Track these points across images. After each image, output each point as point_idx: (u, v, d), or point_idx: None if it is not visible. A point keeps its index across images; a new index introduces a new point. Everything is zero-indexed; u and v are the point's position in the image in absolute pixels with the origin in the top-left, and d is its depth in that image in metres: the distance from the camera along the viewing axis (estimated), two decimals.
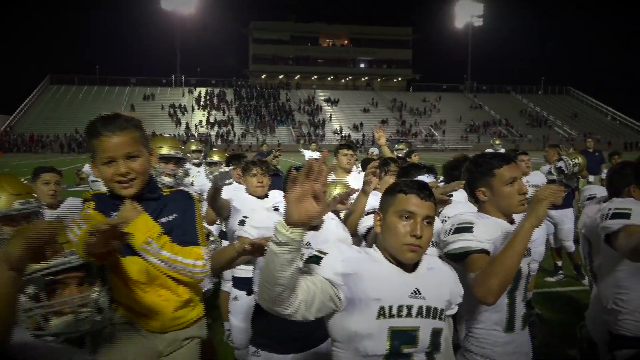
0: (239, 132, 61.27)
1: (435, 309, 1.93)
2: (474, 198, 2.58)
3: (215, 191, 4.07)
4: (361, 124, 64.67)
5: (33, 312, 1.70)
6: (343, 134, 61.15)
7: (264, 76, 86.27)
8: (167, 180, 4.15)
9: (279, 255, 1.61)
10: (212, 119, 64.18)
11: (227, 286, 5.14)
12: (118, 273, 2.02)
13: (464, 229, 2.34)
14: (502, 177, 2.42)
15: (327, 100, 72.52)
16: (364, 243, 3.11)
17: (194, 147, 7.77)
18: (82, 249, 1.62)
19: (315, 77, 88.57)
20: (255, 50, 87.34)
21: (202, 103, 69.03)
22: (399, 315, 1.86)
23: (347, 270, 1.87)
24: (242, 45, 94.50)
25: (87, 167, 7.34)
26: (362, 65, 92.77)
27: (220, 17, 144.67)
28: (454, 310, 2.06)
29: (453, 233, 2.37)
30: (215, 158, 6.89)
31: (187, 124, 62.12)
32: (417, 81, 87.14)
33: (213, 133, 59.87)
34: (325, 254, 1.91)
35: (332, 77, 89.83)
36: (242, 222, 3.01)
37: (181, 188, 2.28)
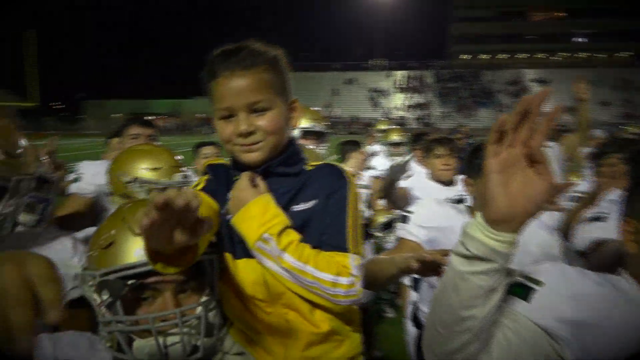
0: (438, 115, 59.55)
1: None
2: None
3: (391, 182, 3.43)
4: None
5: (111, 328, 1.25)
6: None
7: (465, 56, 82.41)
8: None
9: (468, 280, 0.97)
10: (410, 102, 63.61)
11: (408, 280, 4.57)
12: (228, 282, 1.44)
13: None
14: None
15: (536, 80, 66.06)
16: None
17: (382, 127, 7.27)
18: (145, 245, 1.02)
19: (524, 55, 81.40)
20: (457, 30, 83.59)
21: (401, 86, 68.82)
22: None
23: (578, 315, 1.06)
24: (442, 26, 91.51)
25: None
26: (579, 40, 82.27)
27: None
28: None
29: None
30: (395, 138, 6.19)
31: (385, 107, 62.57)
32: None
33: (411, 116, 59.24)
34: (538, 282, 1.13)
35: (543, 54, 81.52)
36: (405, 219, 2.29)
37: (331, 162, 1.57)
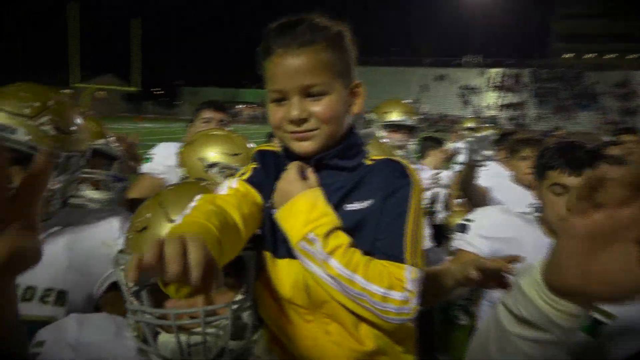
0: (533, 116, 56.51)
1: None
2: None
3: (471, 170, 3.11)
4: None
5: (137, 317, 1.17)
6: None
7: (568, 55, 77.51)
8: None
9: (514, 343, 0.77)
10: (504, 102, 60.94)
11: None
12: (267, 282, 1.30)
13: None
14: None
15: None
16: None
17: (469, 124, 6.82)
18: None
19: (634, 55, 75.09)
20: (560, 27, 78.76)
21: (494, 84, 66.07)
22: None
23: None
24: (544, 23, 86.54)
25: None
26: None
27: None
28: None
29: None
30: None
31: (476, 105, 60.41)
32: None
33: (503, 116, 56.69)
34: (611, 316, 0.93)
35: None
36: (463, 228, 2.06)
37: (394, 158, 1.37)
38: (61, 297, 1.51)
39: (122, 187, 2.47)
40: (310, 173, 1.28)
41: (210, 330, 1.15)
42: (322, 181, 1.28)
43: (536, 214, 2.04)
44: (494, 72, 68.76)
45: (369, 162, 1.33)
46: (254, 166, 1.38)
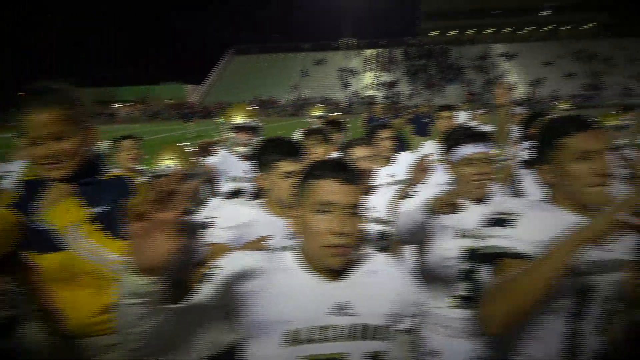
0: (407, 93, 59.96)
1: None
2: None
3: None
4: (541, 80, 58.44)
5: None
6: (520, 92, 55.96)
7: (434, 33, 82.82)
8: (241, 150, 4.04)
9: (128, 310, 1.21)
10: (380, 81, 63.83)
11: None
12: (35, 271, 1.89)
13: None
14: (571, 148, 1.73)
15: (503, 55, 66.89)
16: None
17: (317, 113, 6.90)
18: None
19: (490, 30, 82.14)
20: (426, 6, 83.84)
21: (370, 65, 68.92)
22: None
23: None
24: (414, 2, 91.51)
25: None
26: (545, 13, 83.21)
27: None
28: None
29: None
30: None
31: (354, 88, 62.68)
32: (614, 26, 75.28)
33: (380, 95, 59.45)
34: None
35: (510, 29, 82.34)
36: (208, 224, 2.34)
37: (120, 174, 2.05)
38: None
39: None
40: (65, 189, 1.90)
41: None
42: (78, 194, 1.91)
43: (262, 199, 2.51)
44: (370, 53, 71.59)
45: (107, 178, 1.99)
46: (19, 193, 1.93)
